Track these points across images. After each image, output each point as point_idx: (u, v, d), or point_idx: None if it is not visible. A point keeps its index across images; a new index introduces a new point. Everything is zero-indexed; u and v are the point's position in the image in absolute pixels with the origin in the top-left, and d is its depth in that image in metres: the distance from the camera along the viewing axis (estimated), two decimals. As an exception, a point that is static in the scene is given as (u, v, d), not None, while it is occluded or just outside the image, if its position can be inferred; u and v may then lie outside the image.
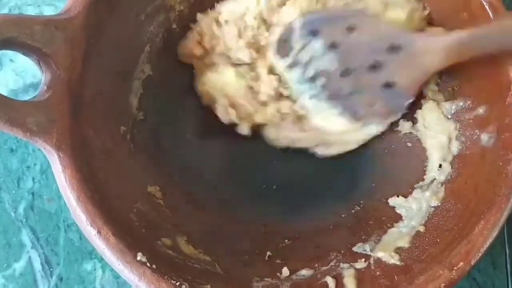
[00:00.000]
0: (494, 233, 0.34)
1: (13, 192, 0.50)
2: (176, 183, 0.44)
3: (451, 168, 0.41)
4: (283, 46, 0.44)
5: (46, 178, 0.50)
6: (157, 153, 0.44)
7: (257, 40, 0.45)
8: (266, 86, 0.45)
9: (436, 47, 0.39)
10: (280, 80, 0.46)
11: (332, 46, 0.42)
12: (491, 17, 0.38)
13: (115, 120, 0.41)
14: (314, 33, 0.43)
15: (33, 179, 0.51)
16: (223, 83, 0.45)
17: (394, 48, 0.41)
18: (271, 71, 0.46)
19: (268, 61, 0.46)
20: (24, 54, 0.35)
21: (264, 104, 0.46)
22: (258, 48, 0.46)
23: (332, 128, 0.46)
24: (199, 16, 0.47)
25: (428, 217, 0.41)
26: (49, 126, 0.33)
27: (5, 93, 0.51)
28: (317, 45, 0.43)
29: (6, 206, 0.50)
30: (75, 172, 0.34)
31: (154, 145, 0.44)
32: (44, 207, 0.50)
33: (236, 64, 0.46)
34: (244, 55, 0.45)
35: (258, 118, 0.46)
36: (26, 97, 0.51)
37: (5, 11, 0.54)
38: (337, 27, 0.42)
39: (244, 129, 0.46)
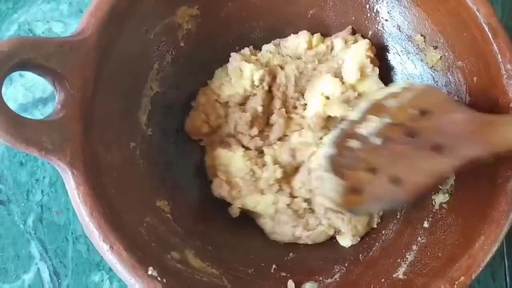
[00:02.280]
0: (494, 248, 0.35)
1: (22, 204, 0.51)
2: (183, 197, 0.45)
3: (453, 183, 0.42)
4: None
5: (55, 191, 0.51)
6: (165, 168, 0.45)
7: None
8: (269, 174, 0.45)
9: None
10: (284, 174, 0.45)
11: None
12: (490, 38, 0.39)
13: (125, 137, 0.42)
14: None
15: (42, 192, 0.52)
16: (229, 160, 0.46)
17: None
18: (277, 161, 0.46)
19: (275, 151, 0.46)
20: (39, 75, 0.36)
21: (261, 192, 0.46)
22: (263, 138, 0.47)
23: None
24: (198, 95, 0.48)
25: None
26: (63, 144, 0.34)
27: (14, 108, 0.53)
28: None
29: (15, 219, 0.51)
30: (88, 188, 0.35)
31: (162, 160, 0.45)
32: (52, 219, 0.51)
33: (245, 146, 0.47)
34: (253, 143, 0.47)
35: (250, 203, 0.46)
36: (36, 111, 0.53)
37: (15, 26, 0.55)
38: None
39: (233, 211, 0.46)
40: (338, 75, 0.47)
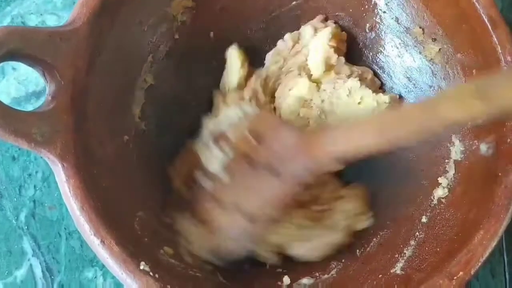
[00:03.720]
0: (493, 243, 0.35)
1: (15, 199, 0.50)
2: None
3: (452, 178, 0.42)
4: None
5: (47, 186, 0.51)
6: (159, 162, 0.44)
7: None
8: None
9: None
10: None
11: None
12: (490, 29, 0.38)
13: (118, 130, 0.41)
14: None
15: (34, 186, 0.51)
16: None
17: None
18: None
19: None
20: (28, 65, 0.35)
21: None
22: None
23: None
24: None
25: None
26: (53, 137, 0.34)
27: (7, 102, 0.52)
28: None
29: (8, 214, 0.50)
30: (79, 182, 0.34)
31: (156, 154, 0.45)
32: (45, 214, 0.50)
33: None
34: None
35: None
36: (29, 106, 0.52)
37: (8, 19, 0.55)
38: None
39: None
40: (306, 70, 0.47)
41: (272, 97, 0.48)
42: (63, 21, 0.54)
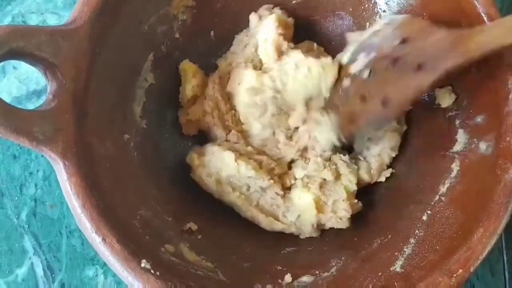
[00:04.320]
0: (493, 241, 0.35)
1: (16, 198, 0.51)
2: (178, 190, 0.45)
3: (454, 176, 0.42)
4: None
5: (48, 185, 0.51)
6: (159, 160, 0.45)
7: None
8: None
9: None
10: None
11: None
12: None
13: (119, 128, 0.41)
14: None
15: (35, 185, 0.51)
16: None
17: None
18: None
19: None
20: (30, 64, 0.35)
21: None
22: None
23: None
24: None
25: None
26: (54, 135, 0.34)
27: (8, 100, 0.52)
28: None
29: (9, 213, 0.50)
30: (80, 180, 0.34)
31: (156, 152, 0.45)
32: (46, 213, 0.50)
33: None
34: None
35: None
36: (29, 104, 0.52)
37: (8, 18, 0.55)
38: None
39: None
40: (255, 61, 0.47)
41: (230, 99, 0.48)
42: (64, 20, 0.54)
